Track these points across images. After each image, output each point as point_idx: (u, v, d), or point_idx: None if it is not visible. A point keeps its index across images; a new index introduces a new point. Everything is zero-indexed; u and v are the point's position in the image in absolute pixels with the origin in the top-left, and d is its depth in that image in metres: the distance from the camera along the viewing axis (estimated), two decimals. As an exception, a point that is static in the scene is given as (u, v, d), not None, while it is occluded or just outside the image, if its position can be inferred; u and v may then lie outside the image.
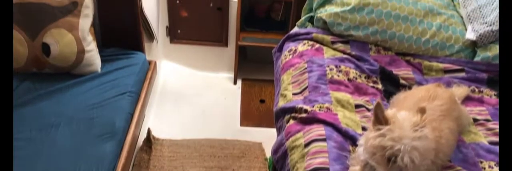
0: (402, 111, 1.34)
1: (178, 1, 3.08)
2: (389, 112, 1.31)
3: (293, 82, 1.99)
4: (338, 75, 1.95)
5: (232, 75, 3.27)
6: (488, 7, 2.05)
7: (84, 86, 2.11)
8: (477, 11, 2.09)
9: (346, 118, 1.72)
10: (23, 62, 2.07)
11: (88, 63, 2.15)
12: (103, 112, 1.97)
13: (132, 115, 2.09)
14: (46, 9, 2.05)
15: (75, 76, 2.15)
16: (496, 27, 2.00)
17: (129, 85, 2.16)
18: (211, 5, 3.09)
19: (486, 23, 2.03)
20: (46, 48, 2.06)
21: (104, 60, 2.25)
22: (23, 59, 2.06)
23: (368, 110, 1.81)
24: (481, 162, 1.60)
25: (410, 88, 1.95)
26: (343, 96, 1.84)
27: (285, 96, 1.94)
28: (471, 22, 2.11)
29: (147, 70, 2.45)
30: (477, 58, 2.08)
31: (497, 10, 2.00)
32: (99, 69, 2.21)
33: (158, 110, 2.89)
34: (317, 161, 1.51)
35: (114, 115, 1.97)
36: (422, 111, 1.29)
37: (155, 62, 2.62)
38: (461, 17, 2.20)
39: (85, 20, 2.13)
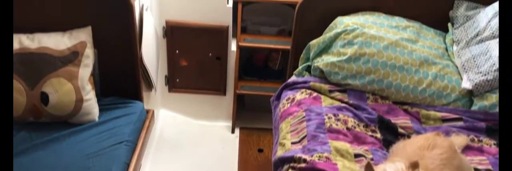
0: (393, 164, 1.32)
1: (177, 51, 3.14)
2: (380, 167, 1.29)
3: (291, 131, 1.98)
4: (337, 124, 1.95)
5: (230, 124, 3.26)
6: (482, 57, 2.09)
7: (81, 135, 2.09)
8: (471, 61, 2.12)
9: (346, 168, 1.69)
10: (21, 112, 2.07)
11: (86, 112, 2.15)
12: (100, 161, 1.93)
13: (128, 165, 2.06)
14: (47, 59, 2.07)
15: (72, 125, 2.14)
16: (491, 76, 2.03)
17: (126, 134, 2.14)
18: (210, 54, 3.15)
19: (480, 72, 2.06)
20: (44, 97, 2.06)
21: (102, 109, 2.25)
22: (20, 109, 2.06)
23: (368, 159, 1.78)
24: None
25: (409, 136, 1.94)
26: (342, 145, 1.83)
27: (283, 145, 1.92)
28: (466, 72, 2.14)
29: (145, 119, 2.44)
30: (474, 107, 2.09)
31: (491, 60, 2.04)
32: (96, 118, 2.20)
33: (154, 159, 2.85)
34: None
35: (110, 164, 1.94)
36: (414, 165, 1.27)
37: (153, 111, 2.61)
38: (456, 66, 2.23)
39: (85, 70, 2.15)
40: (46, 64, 2.07)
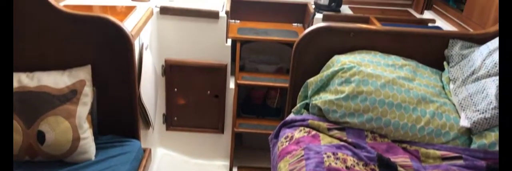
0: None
1: (176, 89, 3.15)
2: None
3: (290, 170, 1.95)
4: (336, 163, 1.92)
5: (227, 163, 3.22)
6: (479, 95, 2.10)
7: (77, 174, 2.06)
8: (468, 99, 2.13)
9: (346, 208, 1.65)
10: (17, 151, 2.05)
11: (82, 151, 2.13)
12: (94, 202, 1.90)
13: (124, 205, 2.01)
14: (45, 98, 2.08)
15: (68, 164, 2.11)
16: (488, 114, 2.03)
17: (122, 173, 2.11)
18: (209, 92, 3.16)
19: (478, 111, 2.06)
20: (41, 136, 2.04)
21: (98, 148, 2.23)
22: (16, 148, 2.04)
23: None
24: None
25: (409, 175, 1.91)
26: (342, 184, 1.80)
27: (282, 185, 1.89)
28: (463, 110, 2.14)
29: (142, 158, 2.41)
30: (473, 146, 2.08)
31: (488, 99, 2.05)
32: (93, 157, 2.17)
33: (150, 199, 2.79)
34: None
35: (105, 205, 1.90)
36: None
37: (150, 150, 2.59)
38: (453, 104, 2.24)
39: (83, 108, 2.15)
40: (44, 103, 2.07)
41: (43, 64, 2.21)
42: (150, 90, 2.74)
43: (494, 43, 2.21)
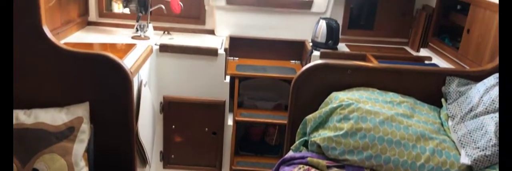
0: None
1: (173, 126, 3.14)
2: None
3: (289, 210, 1.91)
4: (336, 202, 1.88)
5: (225, 201, 3.16)
6: (478, 132, 2.09)
7: (70, 214, 2.01)
8: (468, 136, 2.12)
9: None
10: (10, 189, 2.00)
11: (78, 190, 2.08)
12: None
13: None
14: (42, 135, 2.06)
15: (62, 204, 2.06)
16: (489, 152, 2.01)
17: (117, 213, 2.06)
18: (206, 129, 3.15)
19: (478, 148, 2.04)
20: (36, 174, 2.01)
21: (94, 186, 2.18)
22: (10, 186, 2.00)
23: None
24: None
25: (411, 215, 1.86)
26: None
27: None
28: (463, 147, 2.12)
29: (138, 196, 2.36)
30: (475, 184, 2.04)
31: (487, 136, 2.04)
32: (88, 196, 2.12)
33: None
34: None
35: None
36: None
37: (147, 188, 2.54)
38: (453, 141, 2.22)
39: (80, 145, 2.13)
40: (40, 140, 2.05)
41: (41, 101, 2.21)
42: (147, 127, 2.72)
43: (491, 80, 2.22)
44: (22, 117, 2.09)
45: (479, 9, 2.82)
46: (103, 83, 2.24)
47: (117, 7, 3.67)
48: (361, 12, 3.87)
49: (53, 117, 2.12)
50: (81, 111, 2.18)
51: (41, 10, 2.05)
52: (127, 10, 3.71)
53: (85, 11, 3.58)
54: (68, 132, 2.11)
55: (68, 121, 2.13)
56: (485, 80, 2.26)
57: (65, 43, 2.87)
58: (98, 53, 2.21)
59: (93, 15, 3.64)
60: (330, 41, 3.39)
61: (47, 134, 2.07)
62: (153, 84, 3.06)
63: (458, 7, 3.20)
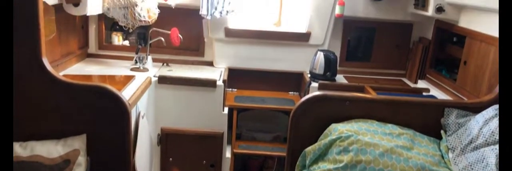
0: None
1: (171, 159, 3.10)
2: None
3: None
4: None
5: None
6: (479, 164, 2.07)
7: None
8: (469, 169, 2.09)
9: None
10: None
11: None
12: None
13: None
14: (37, 168, 2.03)
15: None
16: (491, 184, 1.98)
17: None
18: (204, 162, 3.11)
19: (480, 181, 2.01)
20: (29, 209, 1.96)
21: (88, 221, 2.13)
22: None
23: None
24: None
25: None
26: None
27: None
28: (465, 180, 2.09)
29: None
30: (478, 217, 2.00)
31: (489, 168, 2.01)
32: None
33: None
34: None
35: None
36: None
37: None
38: (454, 174, 2.19)
39: (75, 178, 2.09)
40: (36, 173, 2.02)
41: (38, 133, 2.19)
42: (145, 159, 2.69)
43: (490, 112, 2.22)
44: (18, 150, 2.07)
45: (474, 42, 2.86)
46: (101, 115, 2.23)
47: (117, 40, 3.71)
48: (358, 44, 3.92)
49: (49, 150, 2.10)
50: (78, 143, 2.16)
51: (41, 43, 2.07)
52: (127, 43, 3.75)
53: (85, 44, 3.61)
54: (64, 164, 2.08)
55: (64, 153, 2.11)
56: (484, 112, 2.26)
57: (64, 75, 2.88)
58: (96, 85, 2.22)
59: (92, 47, 3.68)
60: (328, 73, 3.41)
61: (43, 167, 2.04)
62: (151, 116, 3.04)
63: (454, 39, 3.25)
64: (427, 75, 3.53)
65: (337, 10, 3.44)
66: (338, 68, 3.51)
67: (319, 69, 3.41)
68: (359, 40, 3.91)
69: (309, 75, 3.55)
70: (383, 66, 3.82)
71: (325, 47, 3.67)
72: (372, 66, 3.83)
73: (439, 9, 3.11)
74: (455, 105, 2.44)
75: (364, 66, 3.82)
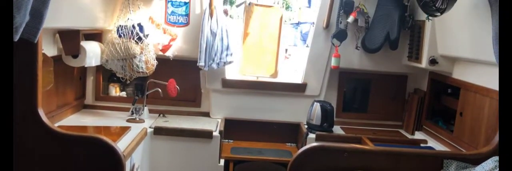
0: None
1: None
2: None
3: None
4: None
5: None
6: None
7: None
8: None
9: None
10: None
11: None
12: None
13: None
14: None
15: None
16: None
17: None
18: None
19: None
20: None
21: None
22: None
23: None
24: None
25: None
26: None
27: None
28: None
29: None
30: None
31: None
32: None
33: None
34: None
35: None
36: None
37: None
38: None
39: None
40: None
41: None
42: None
43: (489, 163, 2.19)
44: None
45: (469, 93, 2.88)
46: (95, 167, 2.19)
47: (115, 91, 3.73)
48: (355, 95, 3.95)
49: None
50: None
51: (38, 94, 2.08)
52: (124, 94, 3.76)
53: (82, 95, 3.62)
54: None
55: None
56: (484, 164, 2.23)
57: (60, 126, 2.86)
58: (90, 136, 2.19)
59: (89, 98, 3.69)
60: (325, 124, 3.40)
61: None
62: (145, 168, 2.98)
63: (449, 90, 3.27)
64: (424, 126, 3.52)
65: (333, 62, 3.50)
66: (335, 119, 3.50)
67: (316, 120, 3.41)
68: (355, 91, 3.94)
69: (306, 126, 3.54)
70: (380, 117, 3.82)
71: (322, 98, 3.69)
72: (369, 118, 3.82)
73: (433, 61, 3.16)
74: (454, 156, 2.42)
75: (361, 118, 3.82)
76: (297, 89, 3.68)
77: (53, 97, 3.05)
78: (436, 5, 2.42)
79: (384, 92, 3.80)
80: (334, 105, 3.60)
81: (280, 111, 3.72)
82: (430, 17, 2.66)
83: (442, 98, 3.41)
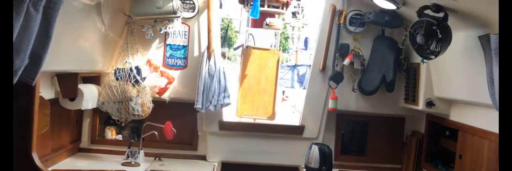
0: None
1: None
2: None
3: None
4: None
5: None
6: None
7: None
8: None
9: None
10: None
11: None
12: None
13: None
14: None
15: None
16: None
17: None
18: None
19: None
20: None
21: None
22: None
23: None
24: None
25: None
26: None
27: None
28: None
29: None
30: None
31: None
32: None
33: None
34: None
35: None
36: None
37: None
38: None
39: None
40: None
41: None
42: None
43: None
44: None
45: (467, 135, 2.87)
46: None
47: (111, 134, 3.70)
48: (353, 138, 3.91)
49: None
50: None
51: (33, 138, 2.06)
52: (120, 137, 3.73)
53: (77, 138, 3.58)
54: None
55: None
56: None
57: (53, 170, 2.81)
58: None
59: (85, 142, 3.64)
60: (323, 167, 3.35)
61: None
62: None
63: (447, 133, 3.26)
64: (424, 169, 3.47)
65: (330, 104, 3.50)
66: (333, 162, 3.45)
67: (314, 164, 3.35)
68: (353, 134, 3.91)
69: (304, 169, 3.48)
70: (379, 160, 3.77)
71: (320, 140, 3.66)
72: (368, 161, 3.77)
73: (429, 104, 3.17)
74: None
75: (359, 161, 3.77)
76: (295, 131, 3.66)
77: (48, 140, 3.01)
78: (430, 48, 2.46)
79: (382, 134, 3.78)
80: (332, 147, 3.56)
81: (278, 154, 3.68)
82: (425, 60, 2.70)
83: (440, 140, 3.39)
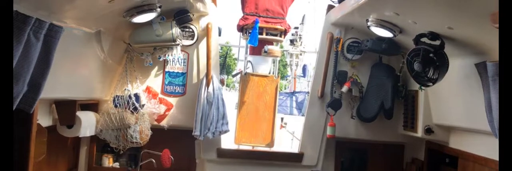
0: None
1: None
2: None
3: None
4: None
5: None
6: None
7: None
8: None
9: None
10: None
11: None
12: None
13: None
14: None
15: None
16: None
17: None
18: None
19: None
20: None
21: None
22: None
23: None
24: None
25: None
26: None
27: None
28: None
29: None
30: None
31: None
32: None
33: None
34: None
35: None
36: None
37: None
38: None
39: None
40: None
41: None
42: None
43: None
44: None
45: (467, 163, 2.84)
46: None
47: (108, 162, 3.65)
48: (352, 165, 3.87)
49: None
50: None
51: (29, 167, 2.03)
52: (117, 165, 3.68)
53: (74, 166, 3.54)
54: None
55: None
56: None
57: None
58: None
59: (82, 170, 3.59)
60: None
61: None
62: None
63: (447, 160, 3.23)
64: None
65: (328, 131, 3.48)
66: (333, 191, 3.41)
67: (313, 190, 3.31)
68: (352, 161, 3.87)
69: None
70: (379, 188, 3.72)
71: (319, 168, 3.62)
72: (368, 189, 3.72)
73: (428, 131, 3.16)
74: None
75: (359, 189, 3.72)
76: (294, 159, 3.62)
77: (44, 168, 2.97)
78: (428, 76, 2.47)
79: (381, 162, 3.74)
80: (331, 175, 3.52)
81: (277, 183, 3.63)
82: (422, 87, 2.70)
83: (440, 168, 3.35)
